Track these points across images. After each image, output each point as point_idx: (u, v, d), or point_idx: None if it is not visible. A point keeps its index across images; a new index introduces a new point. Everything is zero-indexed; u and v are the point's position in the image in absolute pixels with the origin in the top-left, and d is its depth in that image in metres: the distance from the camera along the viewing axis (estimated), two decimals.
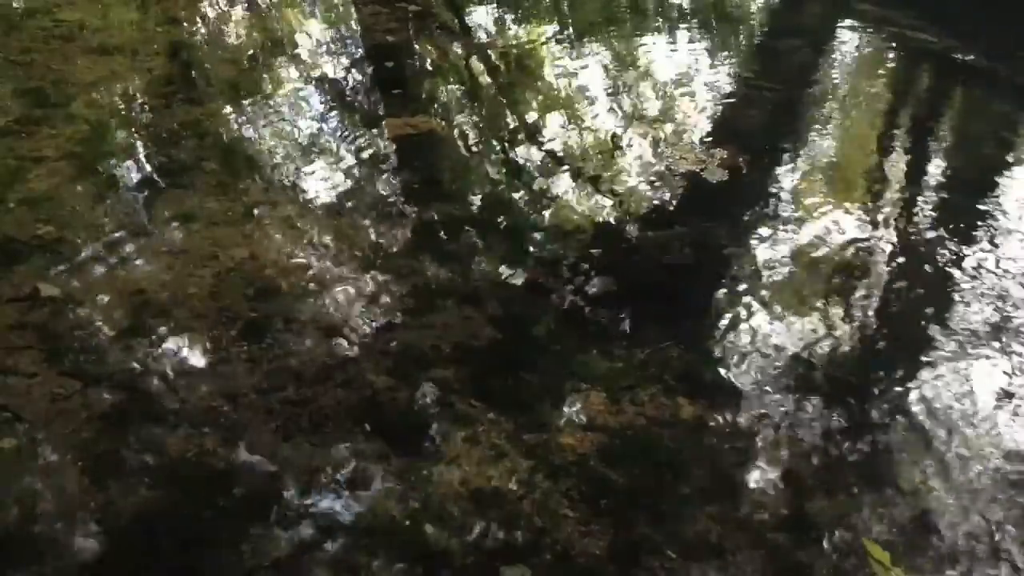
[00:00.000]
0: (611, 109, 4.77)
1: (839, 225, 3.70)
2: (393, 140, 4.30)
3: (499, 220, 3.73)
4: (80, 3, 5.64)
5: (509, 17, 6.16)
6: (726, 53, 5.68)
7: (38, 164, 3.80)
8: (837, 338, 3.07)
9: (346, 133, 4.38)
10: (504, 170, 4.16)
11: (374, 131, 4.39)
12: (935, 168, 4.26)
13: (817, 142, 4.47)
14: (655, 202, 3.86)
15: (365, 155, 4.15)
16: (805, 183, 4.06)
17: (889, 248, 3.59)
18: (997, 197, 3.99)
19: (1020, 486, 2.52)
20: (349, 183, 3.89)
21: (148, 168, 3.94)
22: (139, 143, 4.17)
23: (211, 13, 5.88)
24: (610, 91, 4.97)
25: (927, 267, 3.48)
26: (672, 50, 5.59)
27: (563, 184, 4.00)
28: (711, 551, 2.31)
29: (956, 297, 3.29)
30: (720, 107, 4.79)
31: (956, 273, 3.42)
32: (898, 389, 2.86)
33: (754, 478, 2.53)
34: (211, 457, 2.49)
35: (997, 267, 3.45)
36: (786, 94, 4.99)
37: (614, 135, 4.46)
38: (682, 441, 2.63)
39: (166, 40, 5.28)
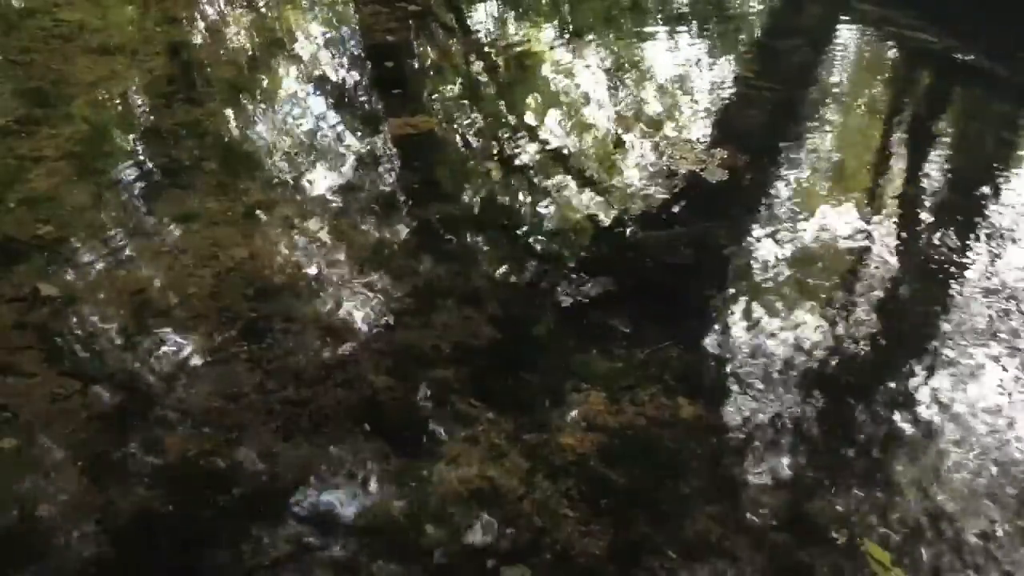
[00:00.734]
0: (611, 109, 4.77)
1: (839, 225, 3.70)
2: (393, 140, 4.30)
3: (499, 220, 3.73)
4: (80, 3, 5.63)
5: (509, 17, 6.16)
6: (726, 53, 5.68)
7: (38, 164, 3.79)
8: (837, 338, 3.07)
9: (346, 133, 4.38)
10: (504, 170, 4.16)
11: (374, 131, 4.39)
12: (935, 168, 4.26)
13: (817, 142, 4.47)
14: (655, 202, 3.85)
15: (365, 155, 4.15)
16: (805, 183, 4.06)
17: (889, 248, 3.59)
18: (997, 197, 3.99)
19: (1020, 486, 2.52)
20: (349, 183, 3.89)
21: (148, 168, 3.93)
22: (139, 143, 4.16)
23: (211, 13, 5.88)
24: (610, 91, 4.97)
25: (927, 267, 3.48)
26: (672, 50, 5.59)
27: (563, 184, 4.00)
28: (711, 551, 2.31)
29: (956, 297, 3.29)
30: (720, 107, 4.79)
31: (956, 273, 3.42)
32: (898, 389, 2.86)
33: (754, 478, 2.53)
34: (211, 457, 2.49)
35: (997, 267, 3.45)
36: (786, 94, 4.99)
37: (614, 135, 4.46)
38: (682, 441, 2.63)
39: (166, 40, 5.28)
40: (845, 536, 2.36)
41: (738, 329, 3.09)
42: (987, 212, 3.86)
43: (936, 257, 3.54)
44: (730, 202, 3.88)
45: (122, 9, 5.81)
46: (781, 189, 3.99)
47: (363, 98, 4.78)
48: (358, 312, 3.10)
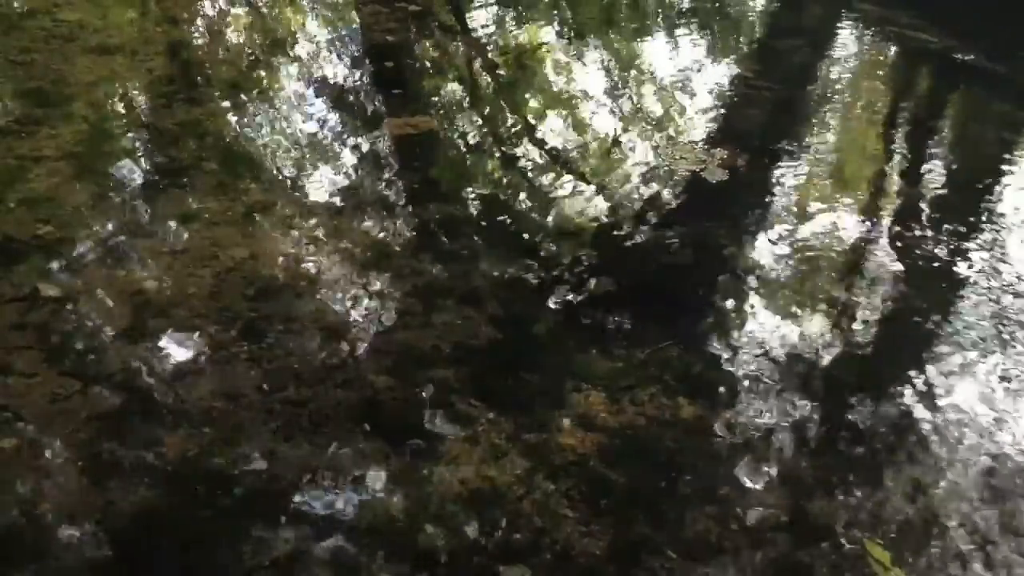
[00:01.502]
0: (611, 109, 4.77)
1: (839, 225, 3.70)
2: (393, 140, 4.30)
3: (499, 220, 3.73)
4: (80, 3, 5.63)
5: (509, 17, 6.16)
6: (726, 53, 5.68)
7: (38, 164, 3.79)
8: (837, 338, 3.07)
9: (346, 133, 4.38)
10: (504, 170, 4.16)
11: (374, 131, 4.39)
12: (935, 168, 4.26)
13: (817, 142, 4.47)
14: (655, 202, 3.85)
15: (365, 155, 4.15)
16: (805, 183, 4.06)
17: (889, 248, 3.59)
18: (997, 197, 3.99)
19: (1020, 486, 2.52)
20: (349, 183, 3.89)
21: (148, 168, 3.93)
22: (139, 143, 4.16)
23: (211, 13, 5.88)
24: (610, 91, 4.97)
25: (927, 267, 3.48)
26: (672, 50, 5.59)
27: (563, 184, 4.00)
28: (711, 551, 2.31)
29: (956, 296, 3.29)
30: (720, 107, 4.79)
31: (956, 273, 3.42)
32: (898, 389, 2.86)
33: (754, 478, 2.53)
34: (211, 457, 2.49)
35: (997, 267, 3.45)
36: (786, 94, 4.99)
37: (614, 135, 4.46)
38: (682, 441, 2.63)
39: (166, 40, 5.28)
40: (845, 536, 2.36)
41: (738, 329, 3.09)
42: (987, 212, 3.87)
43: (936, 257, 3.54)
44: (730, 202, 3.88)
45: (122, 9, 5.81)
46: (781, 189, 3.99)
47: (363, 98, 4.78)
48: (358, 312, 3.10)
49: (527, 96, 5.03)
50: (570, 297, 3.23)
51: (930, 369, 2.94)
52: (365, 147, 4.23)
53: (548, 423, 2.66)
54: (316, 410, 2.67)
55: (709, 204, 3.86)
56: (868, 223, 3.74)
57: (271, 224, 3.54)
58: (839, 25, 6.13)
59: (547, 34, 5.80)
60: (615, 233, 3.65)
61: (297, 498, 2.40)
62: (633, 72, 5.27)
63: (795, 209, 3.83)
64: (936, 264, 3.49)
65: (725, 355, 2.97)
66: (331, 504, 2.39)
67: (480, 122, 4.69)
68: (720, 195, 3.92)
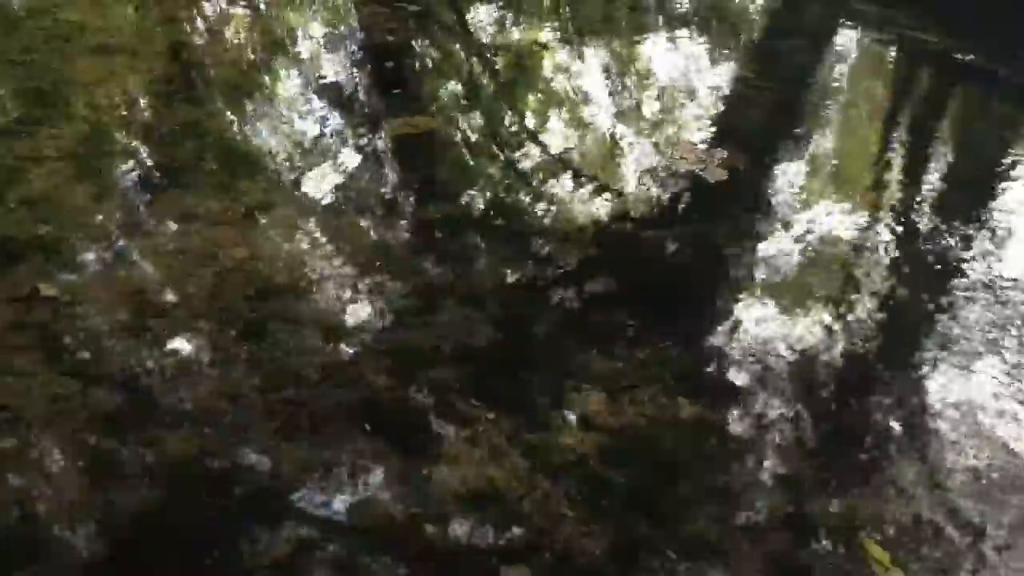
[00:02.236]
0: (611, 109, 4.77)
1: (839, 225, 3.71)
2: (393, 140, 4.30)
3: (499, 220, 3.73)
4: (80, 3, 5.63)
5: (509, 17, 6.16)
6: (726, 53, 5.68)
7: (38, 164, 3.79)
8: (837, 338, 3.07)
9: (346, 133, 4.38)
10: (504, 170, 4.16)
11: (374, 131, 4.39)
12: (935, 168, 4.26)
13: (817, 142, 4.47)
14: (655, 202, 3.85)
15: (365, 155, 4.15)
16: (805, 183, 4.06)
17: (889, 248, 3.59)
18: (997, 197, 3.99)
19: (1020, 486, 2.52)
20: (349, 183, 3.89)
21: (148, 168, 3.93)
22: (139, 143, 4.16)
23: (211, 13, 5.88)
24: (610, 91, 4.97)
25: (927, 267, 3.49)
26: (672, 50, 5.59)
27: (563, 184, 4.00)
28: (711, 551, 2.31)
29: (956, 297, 3.29)
30: (720, 107, 4.79)
31: (956, 273, 3.42)
32: (898, 389, 2.86)
33: (754, 478, 2.53)
34: (211, 457, 2.49)
35: (997, 267, 3.45)
36: (786, 94, 4.99)
37: (614, 135, 4.46)
38: (682, 441, 2.63)
39: (166, 40, 5.28)
40: (845, 536, 2.36)
41: (738, 329, 3.09)
42: (987, 212, 3.87)
43: (936, 257, 3.54)
44: (730, 202, 3.88)
45: (122, 9, 5.81)
46: (781, 189, 3.99)
47: (363, 98, 4.78)
48: (358, 312, 3.10)
49: (527, 96, 5.03)
50: (570, 297, 3.23)
51: (931, 369, 2.94)
52: (365, 147, 4.23)
53: (548, 423, 2.66)
54: (316, 410, 2.66)
55: (709, 204, 3.86)
56: (868, 223, 3.74)
57: (271, 224, 3.54)
58: (839, 25, 6.13)
59: (547, 34, 5.80)
60: (615, 233, 3.65)
61: (297, 498, 2.40)
62: (633, 72, 5.27)
63: (795, 209, 3.83)
64: (937, 264, 3.49)
65: (725, 355, 2.97)
66: (331, 504, 2.39)
67: (480, 122, 4.69)
68: (720, 195, 3.92)
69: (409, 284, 3.24)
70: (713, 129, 4.53)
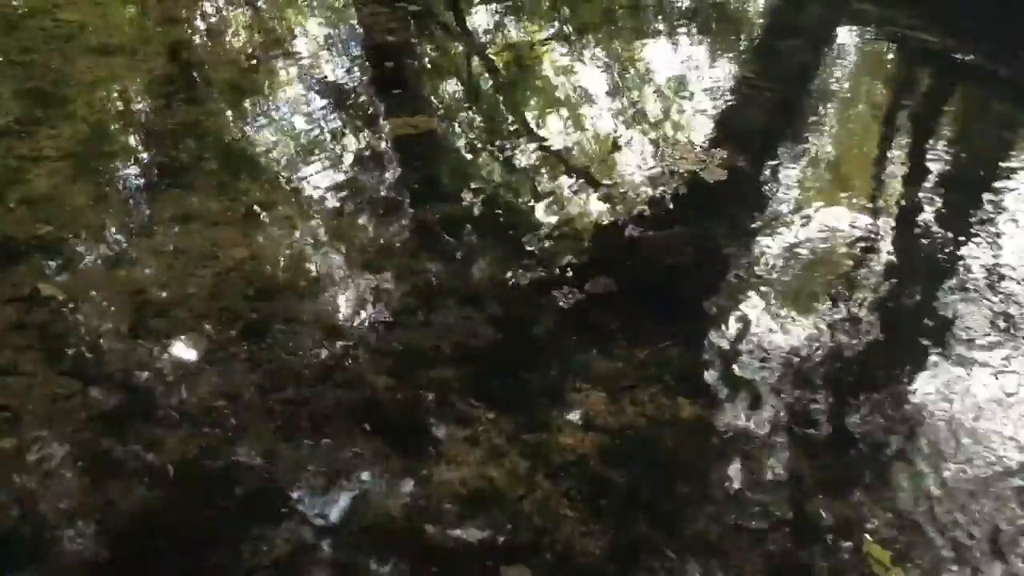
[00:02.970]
0: (611, 109, 4.77)
1: (839, 225, 3.70)
2: (393, 140, 4.30)
3: (499, 220, 3.73)
4: (80, 3, 5.63)
5: (509, 17, 6.16)
6: (726, 53, 5.68)
7: (38, 164, 3.79)
8: (837, 338, 3.07)
9: (346, 133, 4.38)
10: (504, 170, 4.16)
11: (374, 131, 4.39)
12: (935, 168, 4.26)
13: (817, 142, 4.47)
14: (655, 202, 3.85)
15: (365, 155, 4.15)
16: (805, 183, 4.06)
17: (889, 248, 3.59)
18: (997, 197, 3.99)
19: (1020, 486, 2.52)
20: (349, 183, 3.89)
21: (148, 168, 3.93)
22: (139, 143, 4.16)
23: (211, 13, 5.88)
24: (610, 91, 4.97)
25: (927, 267, 3.49)
26: (672, 50, 5.59)
27: (563, 184, 4.00)
28: (711, 551, 2.31)
29: (956, 296, 3.29)
30: (720, 107, 4.79)
31: (956, 272, 3.42)
32: (898, 389, 2.86)
33: (754, 478, 2.53)
34: (211, 457, 2.49)
35: (997, 266, 3.45)
36: (786, 94, 4.99)
37: (614, 135, 4.46)
38: (682, 441, 2.63)
39: (166, 40, 5.28)
40: (845, 536, 2.36)
41: (738, 329, 3.09)
42: (987, 212, 3.87)
43: (936, 257, 3.54)
44: (730, 202, 3.88)
45: (122, 9, 5.81)
46: (781, 189, 3.99)
47: (363, 98, 4.78)
48: (358, 312, 3.10)
49: (527, 96, 5.03)
50: (570, 297, 3.23)
51: (931, 369, 2.94)
52: (365, 147, 4.23)
53: (548, 423, 2.66)
54: (316, 410, 2.67)
55: (709, 204, 3.86)
56: (868, 223, 3.74)
57: (271, 224, 3.54)
58: (839, 25, 6.13)
59: (547, 34, 5.80)
60: (615, 233, 3.65)
61: (297, 498, 2.40)
62: (633, 72, 5.27)
63: (795, 209, 3.83)
64: (936, 264, 3.49)
65: (725, 355, 2.97)
66: (331, 504, 2.39)
67: (480, 122, 4.69)
68: (720, 195, 3.92)
69: (409, 284, 3.24)
70: (713, 129, 4.53)
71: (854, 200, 3.92)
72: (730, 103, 4.84)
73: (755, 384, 2.85)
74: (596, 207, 3.82)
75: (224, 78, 4.89)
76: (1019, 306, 3.23)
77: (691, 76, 5.17)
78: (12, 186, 3.64)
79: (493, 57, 5.48)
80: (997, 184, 4.12)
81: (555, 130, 4.54)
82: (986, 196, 4.00)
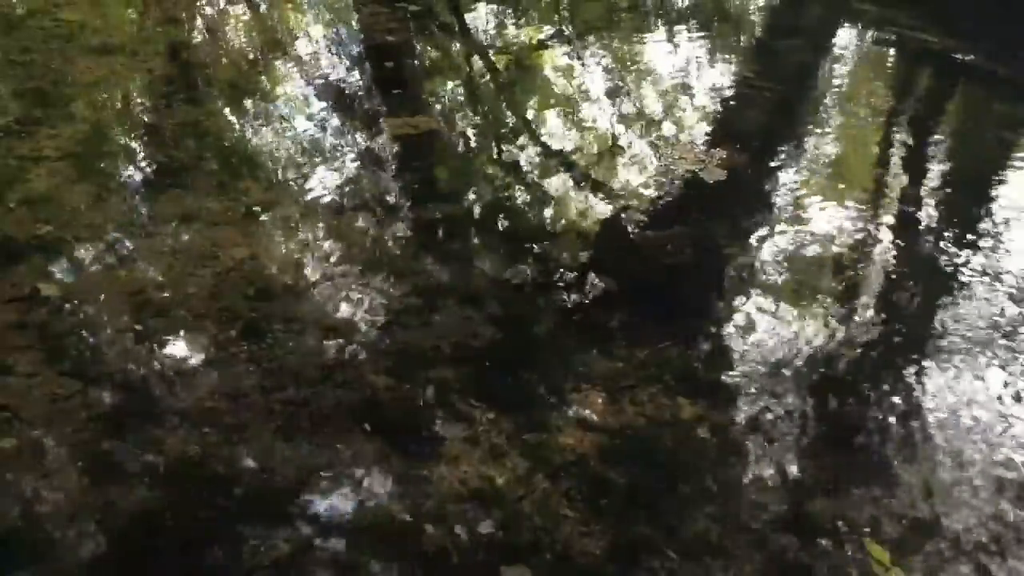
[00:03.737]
0: (611, 109, 4.77)
1: (838, 225, 3.70)
2: (393, 140, 4.30)
3: (499, 220, 3.73)
4: (80, 3, 5.63)
5: (509, 17, 6.16)
6: (726, 53, 5.68)
7: (38, 164, 3.79)
8: (837, 338, 3.07)
9: (346, 133, 4.38)
10: (504, 170, 4.16)
11: (374, 131, 4.39)
12: (935, 168, 4.26)
13: (816, 142, 4.47)
14: (655, 202, 3.86)
15: (365, 155, 4.15)
16: (804, 183, 4.06)
17: (889, 248, 3.59)
18: (997, 197, 3.99)
19: (1020, 485, 2.52)
20: (349, 183, 3.89)
21: (148, 168, 3.93)
22: (139, 143, 4.16)
23: (211, 13, 5.88)
24: (610, 91, 4.97)
25: (927, 267, 3.49)
26: (672, 50, 5.59)
27: (563, 184, 4.00)
28: (711, 551, 2.31)
29: (956, 296, 3.29)
30: (720, 107, 4.79)
31: (956, 272, 3.42)
32: (898, 389, 2.86)
33: (754, 478, 2.53)
34: (211, 457, 2.49)
35: (997, 266, 3.45)
36: (786, 94, 4.99)
37: (614, 135, 4.46)
38: (682, 441, 2.63)
39: (166, 40, 5.28)
40: (845, 536, 2.36)
41: (738, 329, 3.09)
42: (987, 212, 3.86)
43: (936, 257, 3.54)
44: (729, 202, 3.88)
45: (122, 9, 5.81)
46: (780, 189, 3.99)
47: (363, 98, 4.78)
48: (358, 312, 3.10)
49: (527, 96, 5.03)
50: (570, 297, 3.23)
51: (931, 369, 2.94)
52: (365, 147, 4.23)
53: (548, 423, 2.66)
54: (316, 410, 2.67)
55: (709, 204, 3.86)
56: (867, 223, 3.74)
57: (271, 224, 3.55)
58: (839, 25, 6.13)
59: (547, 34, 5.80)
60: (615, 233, 3.64)
61: (297, 498, 2.40)
62: (633, 72, 5.27)
63: (795, 209, 3.83)
64: (936, 264, 3.49)
65: (725, 355, 2.97)
66: (331, 504, 2.39)
67: (480, 122, 4.69)
68: (720, 195, 3.92)
69: (409, 284, 3.24)
70: (712, 129, 4.53)
71: (854, 200, 3.92)
72: (730, 103, 4.84)
73: (755, 384, 2.85)
74: (596, 207, 3.82)
75: (224, 78, 4.89)
76: (1019, 306, 3.22)
77: (691, 76, 5.17)
78: (12, 186, 3.64)
79: (493, 57, 5.48)
80: (997, 184, 4.12)
81: (555, 130, 4.54)
82: (986, 196, 4.00)
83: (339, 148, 4.23)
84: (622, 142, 4.39)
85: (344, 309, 3.11)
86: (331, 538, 2.30)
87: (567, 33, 5.88)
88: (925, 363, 2.97)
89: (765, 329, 3.09)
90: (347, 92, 4.82)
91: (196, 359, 2.84)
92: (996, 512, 2.44)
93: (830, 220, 3.73)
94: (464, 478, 2.46)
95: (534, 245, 3.54)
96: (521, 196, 3.93)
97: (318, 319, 3.04)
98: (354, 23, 5.93)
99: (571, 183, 4.00)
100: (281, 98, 4.76)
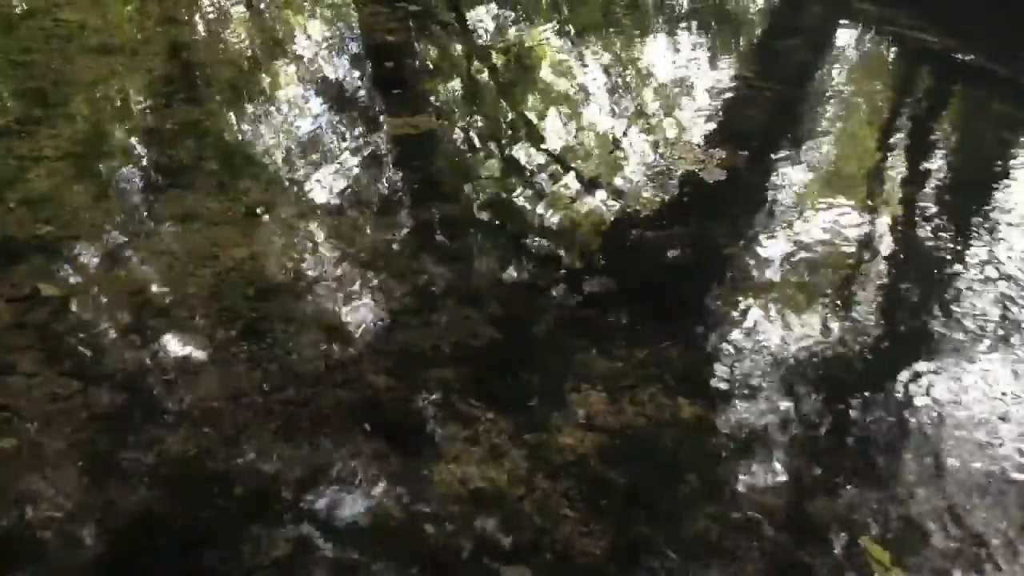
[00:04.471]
0: (611, 109, 4.77)
1: (838, 225, 3.70)
2: (393, 140, 4.30)
3: (499, 220, 3.73)
4: (80, 3, 5.63)
5: (509, 17, 6.16)
6: (726, 53, 5.68)
7: (38, 164, 3.79)
8: (837, 337, 3.07)
9: (346, 133, 4.38)
10: (504, 170, 4.16)
11: (374, 131, 4.39)
12: (935, 168, 4.26)
13: (816, 142, 4.47)
14: (655, 202, 3.86)
15: (365, 155, 4.15)
16: (804, 183, 4.06)
17: (889, 247, 3.59)
18: (997, 197, 3.99)
19: (1020, 486, 2.52)
20: (349, 183, 3.89)
21: (148, 168, 3.93)
22: (139, 143, 4.16)
23: (211, 13, 5.88)
24: (610, 91, 4.97)
25: (927, 266, 3.49)
26: (672, 50, 5.59)
27: (563, 184, 4.00)
28: (711, 551, 2.31)
29: (956, 296, 3.29)
30: (720, 107, 4.79)
31: (956, 273, 3.42)
32: (898, 389, 2.86)
33: (754, 478, 2.53)
34: (211, 457, 2.49)
35: (997, 267, 3.45)
36: (786, 94, 4.99)
37: (614, 135, 4.46)
38: (682, 441, 2.63)
39: (166, 40, 5.28)
40: (845, 536, 2.36)
41: (738, 329, 3.09)
42: (987, 212, 3.87)
43: (936, 257, 3.54)
44: (729, 202, 3.88)
45: (122, 9, 5.81)
46: (780, 189, 3.99)
47: (363, 98, 4.78)
48: (358, 312, 3.10)
49: (527, 96, 5.03)
50: (570, 297, 3.23)
51: (931, 369, 2.94)
52: (365, 147, 4.23)
53: (548, 423, 2.66)
54: (316, 410, 2.67)
55: (709, 204, 3.86)
56: (868, 223, 3.74)
57: (271, 224, 3.55)
58: (839, 25, 6.13)
59: (547, 34, 5.80)
60: (615, 233, 3.65)
61: (297, 498, 2.40)
62: (633, 72, 5.27)
63: (795, 209, 3.83)
64: (936, 264, 3.49)
65: (725, 355, 2.97)
66: (331, 504, 2.39)
67: (480, 122, 4.69)
68: (720, 195, 3.92)
69: (409, 284, 3.24)
70: (712, 129, 4.53)
71: (854, 200, 3.92)
72: (730, 103, 4.84)
73: (755, 384, 2.85)
74: (596, 207, 3.82)
75: (224, 78, 4.89)
76: (1020, 306, 3.22)
77: (691, 76, 5.17)
78: (12, 186, 3.64)
79: (493, 57, 5.48)
80: (997, 184, 4.12)
81: (555, 130, 4.54)
82: (986, 196, 4.00)
83: (339, 148, 4.23)
84: (622, 142, 4.39)
85: (344, 309, 3.11)
86: (331, 538, 2.30)
87: (567, 33, 5.88)
88: (925, 363, 2.97)
89: (765, 329, 3.09)
90: (347, 92, 4.82)
91: (196, 359, 2.84)
92: (997, 512, 2.44)
93: (830, 220, 3.73)
94: (464, 478, 2.46)
95: (534, 245, 3.54)
96: (521, 196, 3.93)
97: (318, 319, 3.04)
98: (354, 23, 5.93)
99: (571, 183, 4.00)
100: (281, 98, 4.77)
